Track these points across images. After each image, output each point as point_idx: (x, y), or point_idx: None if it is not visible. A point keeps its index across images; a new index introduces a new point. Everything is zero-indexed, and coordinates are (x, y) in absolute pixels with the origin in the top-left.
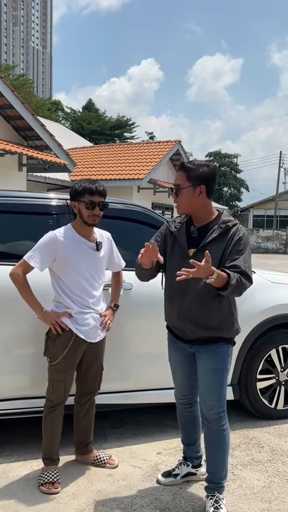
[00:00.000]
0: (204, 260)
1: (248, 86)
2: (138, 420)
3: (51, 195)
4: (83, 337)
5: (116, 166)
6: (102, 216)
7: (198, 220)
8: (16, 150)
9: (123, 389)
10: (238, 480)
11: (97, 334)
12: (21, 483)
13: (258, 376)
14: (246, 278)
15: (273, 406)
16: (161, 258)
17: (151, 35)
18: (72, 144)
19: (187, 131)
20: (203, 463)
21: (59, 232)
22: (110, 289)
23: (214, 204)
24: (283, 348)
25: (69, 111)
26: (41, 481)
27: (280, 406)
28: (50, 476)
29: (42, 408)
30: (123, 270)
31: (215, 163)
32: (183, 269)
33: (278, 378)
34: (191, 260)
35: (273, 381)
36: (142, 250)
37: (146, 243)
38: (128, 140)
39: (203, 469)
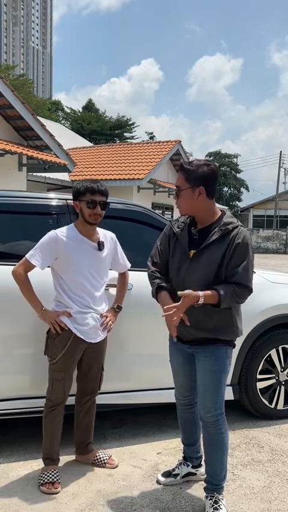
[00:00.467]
0: (182, 298)
1: (248, 86)
2: (138, 420)
3: (51, 195)
4: (82, 336)
5: (116, 166)
6: (103, 216)
7: (200, 221)
8: (16, 150)
9: (123, 389)
10: (238, 480)
11: (97, 334)
12: (21, 483)
13: (258, 376)
14: (244, 288)
15: (273, 406)
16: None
17: (151, 35)
18: (72, 144)
19: (187, 131)
20: (203, 463)
21: (61, 231)
22: (110, 290)
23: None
24: (283, 348)
25: (69, 111)
26: (41, 481)
27: (280, 406)
28: (50, 476)
29: (42, 408)
30: None
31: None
32: (167, 307)
33: (278, 378)
34: (179, 293)
35: (273, 381)
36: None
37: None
38: (128, 140)
39: (203, 469)
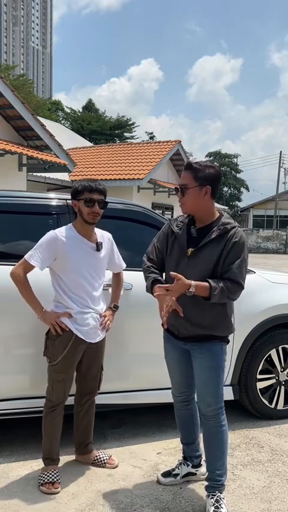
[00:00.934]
0: (175, 281)
1: (248, 86)
2: (138, 420)
3: (51, 195)
4: (82, 337)
5: (116, 166)
6: (102, 216)
7: (200, 220)
8: (16, 150)
9: (122, 389)
10: (238, 480)
11: (97, 334)
12: (21, 483)
13: (258, 376)
14: (236, 285)
15: (273, 406)
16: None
17: (151, 35)
18: (72, 144)
19: (187, 131)
20: (203, 463)
21: (60, 231)
22: (110, 290)
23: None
24: (283, 348)
25: (69, 111)
26: (41, 481)
27: (280, 406)
28: (50, 476)
29: (42, 408)
30: (123, 270)
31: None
32: (158, 286)
33: (278, 378)
34: (171, 273)
35: (273, 381)
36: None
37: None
38: (128, 140)
39: (203, 469)
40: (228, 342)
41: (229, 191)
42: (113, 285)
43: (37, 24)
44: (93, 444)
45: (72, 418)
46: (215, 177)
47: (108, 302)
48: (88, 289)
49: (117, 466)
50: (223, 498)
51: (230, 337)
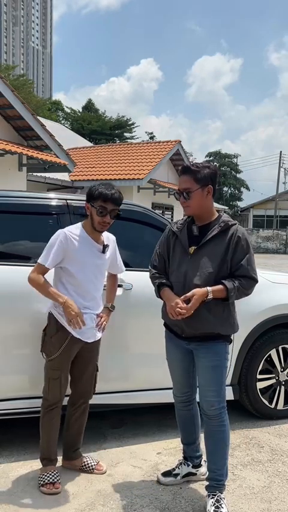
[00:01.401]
0: (192, 300)
1: (247, 85)
2: (138, 420)
3: (51, 195)
4: (79, 336)
5: (116, 166)
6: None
7: (200, 219)
8: (16, 150)
9: (123, 389)
10: (238, 480)
11: (93, 334)
12: (21, 483)
13: (258, 376)
14: (250, 280)
15: (273, 406)
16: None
17: (151, 34)
18: (72, 144)
19: (187, 131)
20: (203, 463)
21: (70, 230)
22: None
23: (214, 204)
24: (283, 348)
25: (69, 111)
26: (42, 482)
27: (280, 406)
28: (50, 476)
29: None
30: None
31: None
32: (179, 305)
33: (278, 378)
34: (183, 297)
35: (273, 381)
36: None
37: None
38: (128, 140)
39: (203, 469)
40: (231, 341)
41: (229, 191)
42: (108, 286)
43: (37, 24)
44: (93, 444)
45: None
46: (214, 175)
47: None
48: (91, 289)
49: (105, 472)
50: (223, 498)
51: (231, 337)
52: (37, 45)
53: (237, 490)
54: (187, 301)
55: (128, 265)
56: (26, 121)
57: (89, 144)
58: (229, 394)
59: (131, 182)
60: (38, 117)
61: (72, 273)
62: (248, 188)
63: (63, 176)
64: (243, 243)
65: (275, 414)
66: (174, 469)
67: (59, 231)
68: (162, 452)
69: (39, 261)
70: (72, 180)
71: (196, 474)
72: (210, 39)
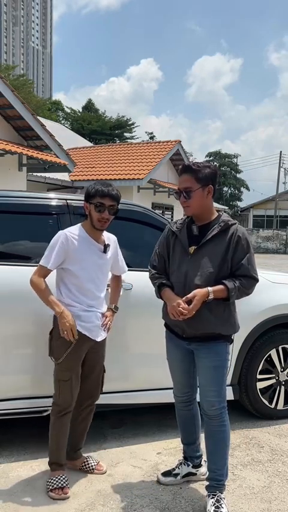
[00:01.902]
0: (193, 301)
1: (247, 85)
2: (138, 420)
3: (51, 195)
4: (86, 333)
5: (116, 166)
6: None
7: (200, 219)
8: (16, 150)
9: (123, 389)
10: (238, 480)
11: (99, 332)
12: (21, 483)
13: (258, 376)
14: (250, 279)
15: (273, 406)
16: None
17: (151, 34)
18: (72, 144)
19: (187, 131)
20: (203, 463)
21: (70, 231)
22: (108, 290)
23: (214, 204)
24: (283, 348)
25: (69, 111)
26: (50, 487)
27: (280, 406)
28: (59, 481)
29: (41, 408)
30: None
31: (215, 163)
32: (181, 306)
33: (278, 378)
34: (185, 298)
35: (273, 381)
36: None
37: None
38: (128, 140)
39: (203, 469)
40: (232, 341)
41: (229, 191)
42: (112, 287)
43: (37, 24)
44: (93, 444)
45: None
46: (214, 175)
47: (107, 302)
48: (94, 289)
49: (105, 472)
50: (224, 498)
51: (232, 337)
52: (37, 45)
53: (237, 490)
54: (188, 302)
55: (128, 265)
56: (26, 121)
57: (89, 144)
58: (229, 394)
59: (131, 182)
60: (38, 117)
61: (74, 273)
62: (248, 188)
63: (63, 176)
64: (243, 242)
65: (275, 414)
66: (174, 469)
67: (60, 232)
68: (162, 452)
69: (41, 262)
70: (72, 180)
71: (196, 474)
72: (210, 39)
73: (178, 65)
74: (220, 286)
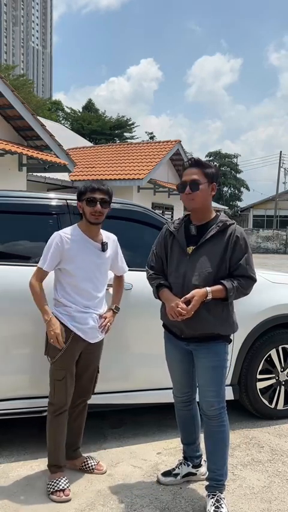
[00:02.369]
0: (192, 301)
1: (247, 85)
2: (138, 420)
3: (51, 195)
4: (81, 335)
5: (116, 166)
6: (105, 215)
7: (198, 219)
8: (16, 150)
9: (122, 389)
10: (238, 480)
11: (95, 334)
12: (21, 483)
13: (258, 376)
14: (249, 280)
15: (273, 406)
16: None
17: (151, 34)
18: (72, 144)
19: (187, 131)
20: (203, 463)
21: (64, 232)
22: (110, 290)
23: (214, 204)
24: (283, 348)
25: (69, 111)
26: (51, 489)
27: (280, 406)
28: (59, 483)
29: (41, 408)
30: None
31: (215, 163)
32: (180, 306)
33: (278, 378)
34: (184, 298)
35: (273, 381)
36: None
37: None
38: (128, 140)
39: (203, 469)
40: (230, 341)
41: (229, 191)
42: (114, 287)
43: (37, 24)
44: (93, 444)
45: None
46: (217, 176)
47: (109, 303)
48: (91, 289)
49: (105, 472)
50: (223, 498)
51: (230, 337)
52: (37, 45)
53: (237, 490)
54: (187, 302)
55: (127, 265)
56: (26, 121)
57: (89, 144)
58: (229, 394)
59: (131, 182)
60: (38, 117)
61: (70, 272)
62: (248, 188)
63: (63, 176)
64: (241, 242)
65: (275, 414)
66: (174, 469)
67: (55, 233)
68: (162, 452)
69: (38, 264)
70: (72, 180)
71: (196, 474)
72: (210, 39)
73: (178, 65)
74: (219, 287)
